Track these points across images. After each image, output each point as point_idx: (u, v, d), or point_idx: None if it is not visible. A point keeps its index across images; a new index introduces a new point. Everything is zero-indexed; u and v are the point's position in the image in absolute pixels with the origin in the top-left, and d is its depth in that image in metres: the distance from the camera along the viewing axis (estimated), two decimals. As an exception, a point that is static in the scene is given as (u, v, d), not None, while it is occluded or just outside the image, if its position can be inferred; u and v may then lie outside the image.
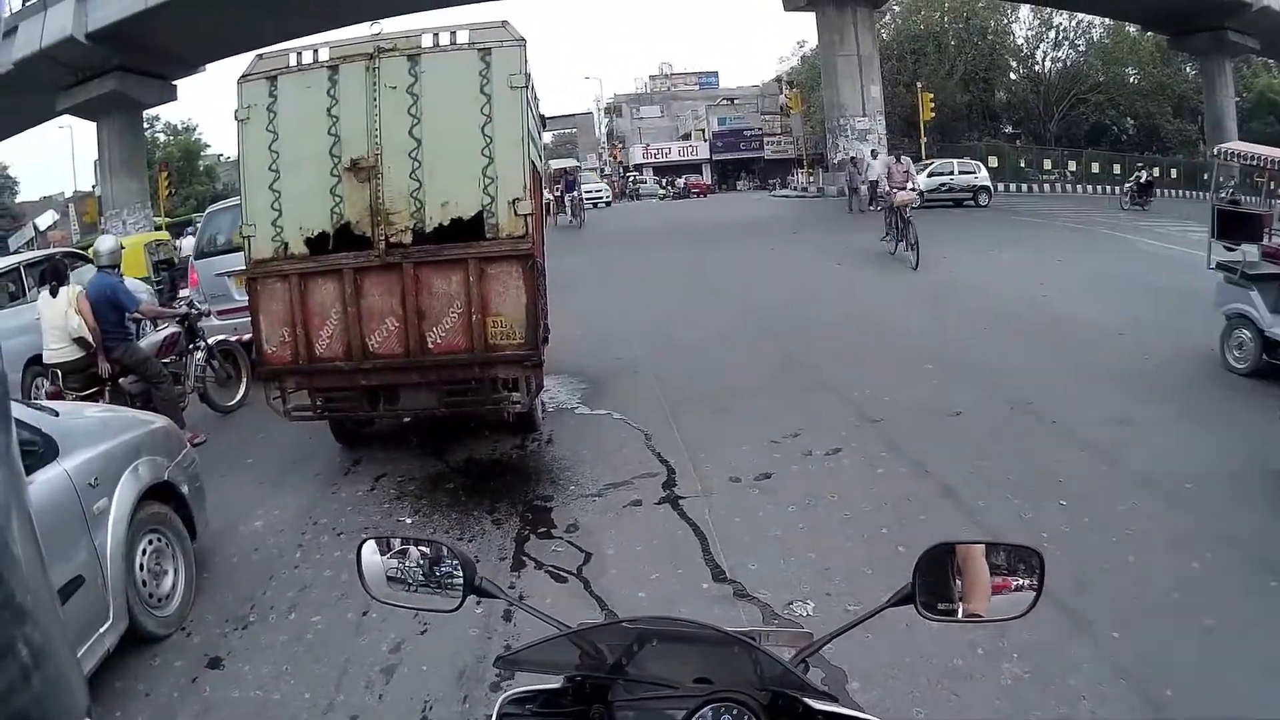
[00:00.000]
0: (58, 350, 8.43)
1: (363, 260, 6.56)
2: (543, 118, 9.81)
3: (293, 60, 6.67)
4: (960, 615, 1.71)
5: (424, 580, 1.86)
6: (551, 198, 31.06)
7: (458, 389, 6.91)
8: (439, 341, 6.61)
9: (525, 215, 6.52)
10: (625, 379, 9.63)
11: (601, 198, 47.29)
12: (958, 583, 1.69)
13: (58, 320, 8.40)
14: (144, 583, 4.95)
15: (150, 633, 4.89)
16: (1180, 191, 40.67)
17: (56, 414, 4.84)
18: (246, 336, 10.49)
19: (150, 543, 5.11)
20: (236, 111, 6.74)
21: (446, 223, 6.54)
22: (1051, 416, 7.54)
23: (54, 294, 8.50)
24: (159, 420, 5.89)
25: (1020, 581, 1.68)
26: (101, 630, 4.38)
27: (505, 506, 6.44)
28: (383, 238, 6.53)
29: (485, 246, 6.49)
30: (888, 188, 18.77)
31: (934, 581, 1.70)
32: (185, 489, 5.57)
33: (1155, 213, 28.21)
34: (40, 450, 4.30)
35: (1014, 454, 6.75)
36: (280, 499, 6.99)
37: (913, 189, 18.03)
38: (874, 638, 3.98)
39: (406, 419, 8.00)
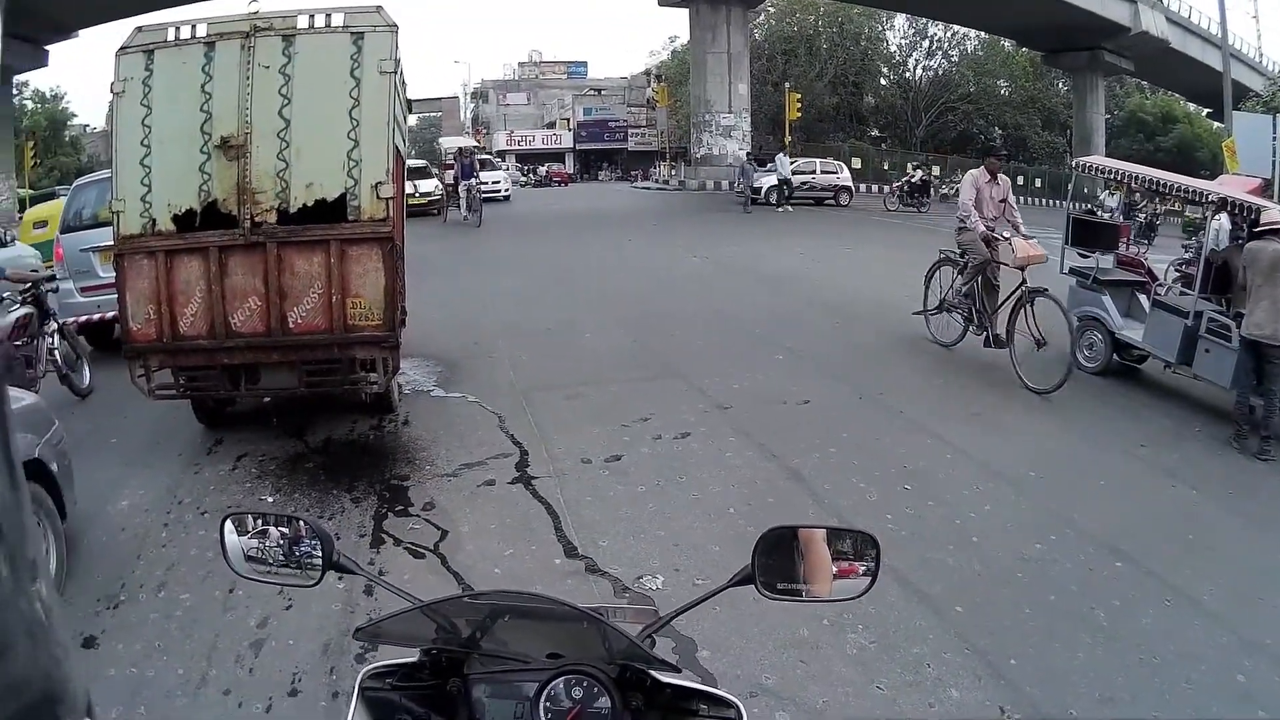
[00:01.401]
0: None
1: (228, 239, 6.54)
2: (409, 101, 9.91)
3: (170, 35, 6.62)
4: (804, 596, 1.76)
5: (284, 557, 1.88)
6: (441, 187, 28.69)
7: (317, 369, 6.93)
8: (300, 321, 6.66)
9: (387, 199, 6.62)
10: (481, 363, 9.74)
11: (500, 190, 35.90)
12: (800, 565, 1.75)
13: None
14: None
15: None
16: (1044, 200, 42.46)
17: None
18: (110, 314, 10.37)
19: None
20: (112, 84, 6.64)
21: (311, 204, 6.58)
22: (900, 408, 7.95)
23: None
24: (28, 396, 5.80)
25: (861, 565, 1.74)
26: None
27: (364, 486, 6.54)
28: (248, 217, 6.53)
29: (347, 228, 6.58)
30: (975, 224, 9.82)
31: (775, 563, 1.75)
32: (55, 467, 5.44)
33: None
34: None
35: (862, 442, 7.12)
36: (144, 479, 6.93)
37: (1030, 238, 9.64)
38: (722, 610, 4.20)
39: (267, 399, 8.00)
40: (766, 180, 30.97)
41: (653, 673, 1.64)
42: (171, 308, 6.63)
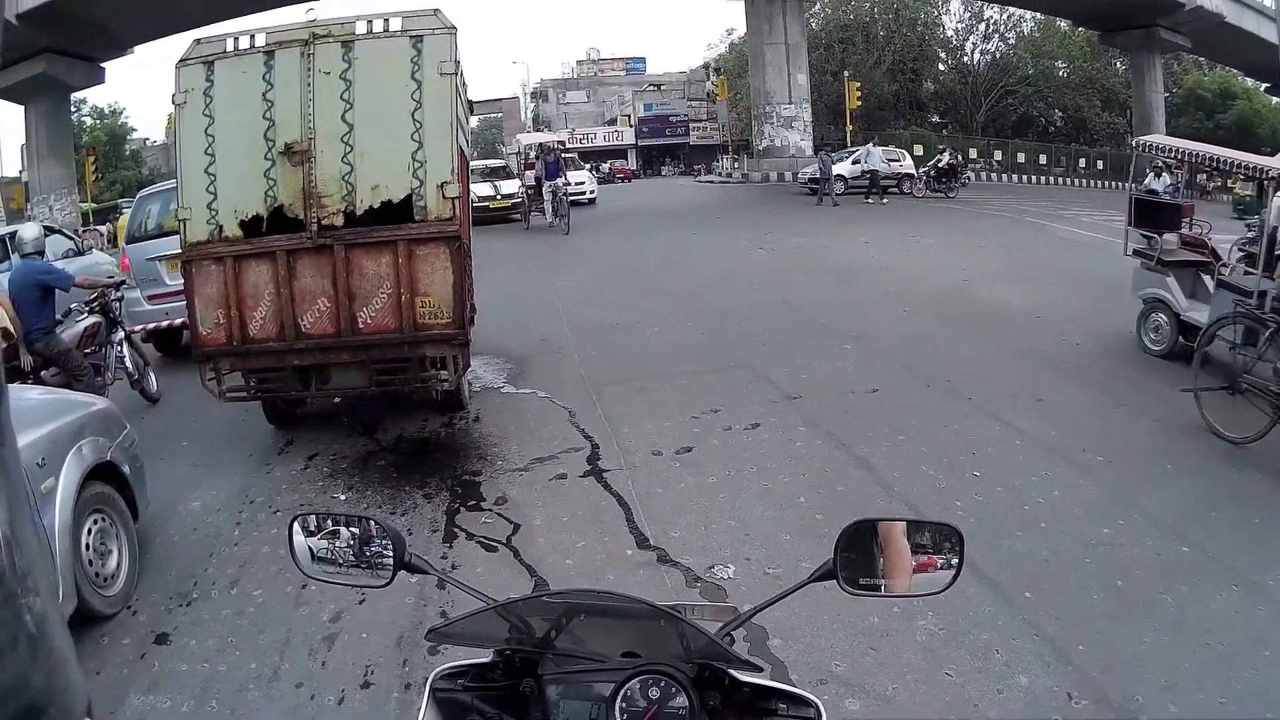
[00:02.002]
0: None
1: (295, 242, 6.64)
2: (470, 103, 9.89)
3: (229, 46, 6.71)
4: (882, 591, 1.73)
5: (354, 558, 1.87)
6: (523, 189, 25.38)
7: (387, 368, 6.99)
8: (369, 321, 6.74)
9: (453, 198, 6.68)
10: (550, 359, 9.79)
11: (585, 192, 30.99)
12: (880, 560, 1.70)
13: None
14: (90, 562, 4.98)
15: (97, 611, 4.91)
16: (1106, 183, 41.50)
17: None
18: (178, 321, 10.59)
19: (95, 522, 5.12)
20: (174, 96, 6.77)
21: (377, 205, 6.67)
22: (967, 394, 7.81)
23: None
24: (100, 402, 5.92)
25: (941, 559, 1.70)
26: None
27: (436, 482, 6.61)
28: (315, 220, 6.63)
29: (414, 229, 6.64)
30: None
31: (855, 557, 1.71)
32: (127, 469, 5.60)
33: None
34: None
35: (930, 429, 7.02)
36: (216, 480, 7.07)
37: None
38: (794, 598, 4.16)
39: (337, 400, 8.07)
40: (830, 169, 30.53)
41: (732, 672, 1.60)
42: (241, 311, 6.74)
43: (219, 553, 5.83)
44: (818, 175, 28.71)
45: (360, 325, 6.75)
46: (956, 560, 1.70)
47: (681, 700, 1.53)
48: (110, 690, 4.39)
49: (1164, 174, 15.89)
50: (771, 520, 5.54)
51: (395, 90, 6.63)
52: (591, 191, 32.05)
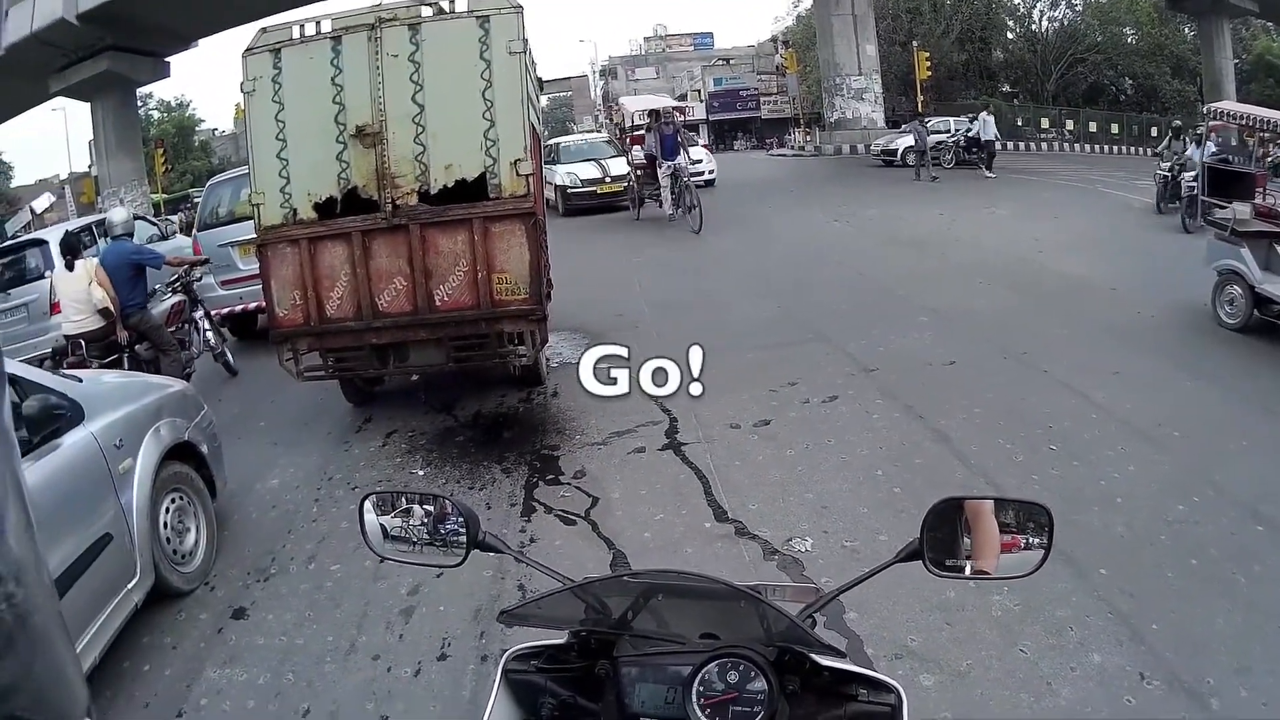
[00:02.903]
0: (79, 322, 8.60)
1: (370, 223, 6.73)
2: (540, 80, 9.99)
3: (295, 33, 6.81)
4: (968, 572, 1.68)
5: (427, 536, 1.87)
6: (631, 172, 20.80)
7: (465, 344, 7.06)
8: (446, 299, 6.81)
9: (527, 175, 6.70)
10: (627, 334, 9.66)
11: (704, 173, 25.10)
12: (966, 540, 1.66)
13: (79, 295, 8.57)
14: (168, 540, 5.10)
15: (175, 588, 5.04)
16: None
17: (80, 381, 4.94)
18: (252, 305, 10.93)
19: (173, 501, 5.24)
20: (242, 84, 6.85)
21: (451, 184, 6.71)
22: (1044, 366, 7.65)
23: (70, 268, 8.67)
24: (177, 383, 6.07)
25: (1029, 539, 1.66)
26: (129, 586, 4.53)
27: (514, 456, 6.66)
28: (389, 200, 6.71)
29: (489, 206, 6.69)
30: None
31: (941, 537, 1.67)
32: (205, 449, 5.73)
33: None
34: (68, 414, 4.41)
35: (1007, 402, 6.89)
36: (294, 458, 7.21)
37: None
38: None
39: (415, 377, 8.18)
40: (902, 142, 29.73)
41: (813, 656, 1.57)
42: (317, 292, 6.86)
43: (297, 529, 5.95)
44: (911, 147, 27.43)
45: (437, 303, 6.82)
46: (1046, 541, 1.66)
47: (760, 684, 1.50)
48: (187, 664, 4.51)
49: (1207, 141, 14.98)
50: (849, 493, 5.48)
51: (464, 70, 6.65)
52: (710, 172, 26.56)
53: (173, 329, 9.62)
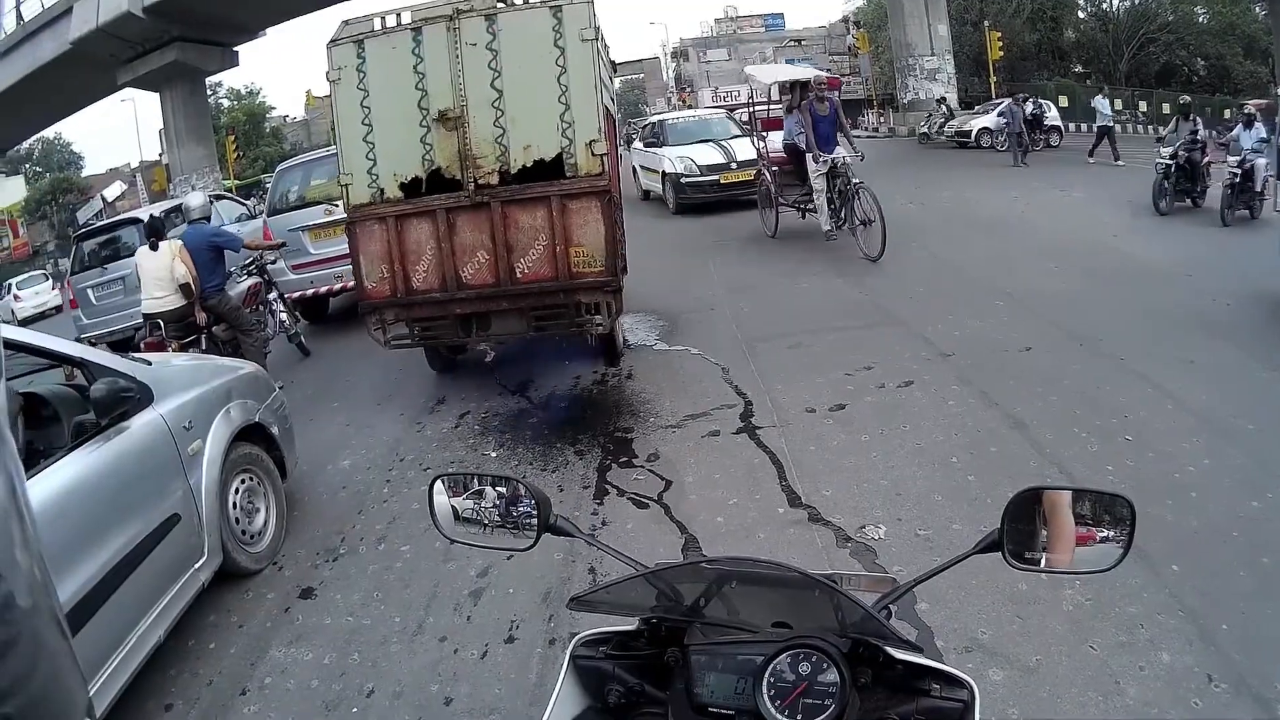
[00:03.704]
0: (160, 300, 8.86)
1: (454, 201, 7.11)
2: (613, 64, 10.14)
3: (377, 25, 7.17)
4: (1043, 565, 1.64)
5: (498, 519, 1.87)
6: (766, 170, 14.72)
7: (544, 314, 7.39)
8: (527, 271, 7.18)
9: (601, 155, 7.02)
10: (702, 316, 9.76)
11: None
12: (1044, 532, 1.63)
13: (162, 271, 8.83)
14: (237, 520, 5.21)
15: (243, 568, 5.14)
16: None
17: (150, 364, 5.00)
18: (323, 289, 11.90)
19: (243, 482, 5.35)
20: (328, 73, 7.27)
21: (529, 164, 7.05)
22: (1119, 354, 7.45)
23: (154, 248, 8.92)
24: (248, 366, 6.16)
25: (1107, 533, 1.63)
26: (196, 566, 4.62)
27: (587, 439, 6.68)
28: (471, 180, 7.08)
29: (566, 184, 7.00)
30: None
31: (1020, 528, 1.64)
32: (275, 430, 5.83)
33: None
34: (137, 396, 4.46)
35: (1083, 390, 6.73)
36: (366, 439, 7.34)
37: None
38: (942, 559, 4.03)
39: (489, 359, 8.51)
40: (977, 123, 29.24)
41: (888, 649, 1.53)
42: (404, 266, 7.27)
43: (367, 509, 6.03)
44: (1006, 129, 25.52)
45: (518, 275, 7.19)
46: (1126, 535, 1.62)
47: (833, 676, 1.47)
48: (253, 643, 4.59)
49: (1255, 124, 14.07)
50: (924, 480, 5.39)
51: (539, 57, 6.96)
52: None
53: (249, 310, 9.85)
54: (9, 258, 60.71)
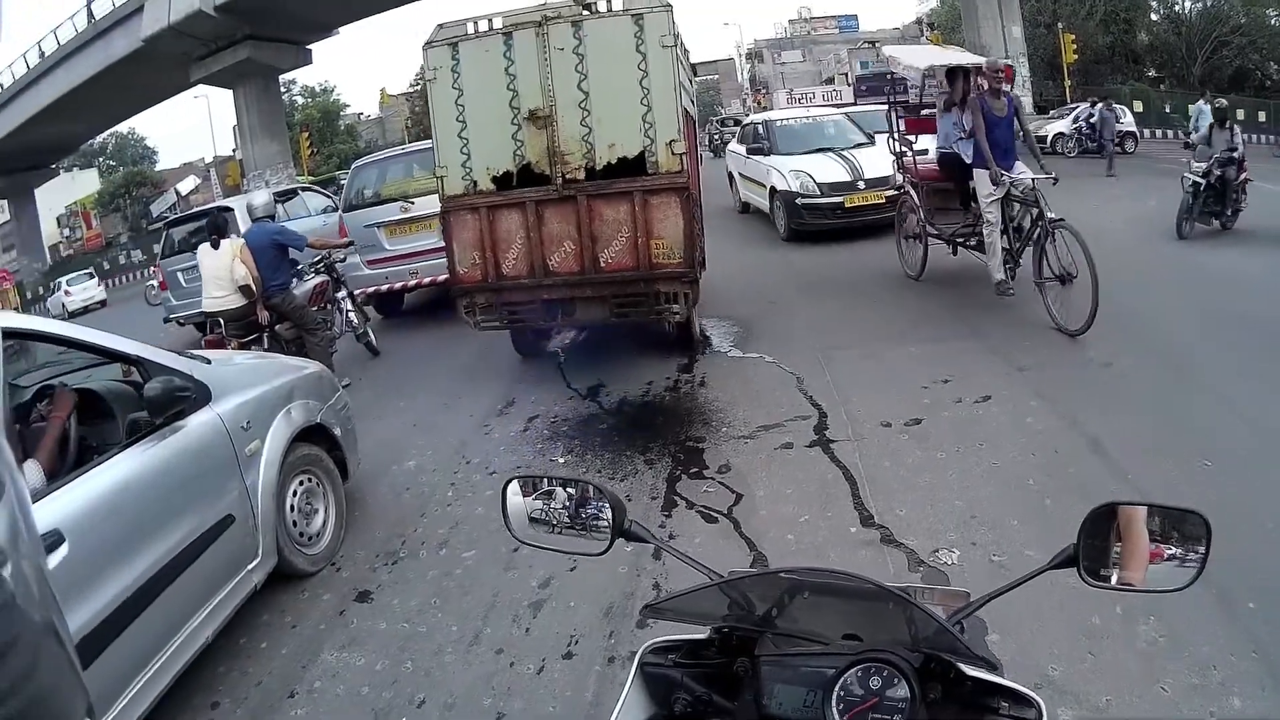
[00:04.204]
0: (221, 299, 8.91)
1: (543, 194, 7.70)
2: (693, 66, 10.97)
3: (470, 29, 7.67)
4: (1114, 582, 1.60)
5: (570, 522, 1.86)
6: (909, 187, 10.96)
7: (625, 301, 7.89)
8: (610, 261, 7.73)
9: (681, 154, 7.52)
10: (778, 322, 9.62)
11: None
12: (1116, 548, 1.60)
13: (222, 271, 8.87)
14: (294, 522, 5.20)
15: (299, 569, 5.14)
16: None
17: (209, 362, 4.98)
18: (397, 285, 12.04)
19: (302, 483, 5.33)
20: (424, 73, 7.93)
21: (614, 161, 7.60)
22: (1200, 375, 7.12)
23: (215, 246, 8.98)
24: (312, 365, 6.18)
25: (1180, 550, 1.58)
26: (250, 567, 4.61)
27: (658, 447, 6.59)
28: (560, 175, 7.66)
29: (648, 180, 7.54)
30: None
31: (1096, 545, 1.61)
32: (338, 431, 5.81)
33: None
34: (193, 396, 4.44)
35: (1163, 411, 6.44)
36: (432, 440, 7.34)
37: None
38: (1018, 589, 3.88)
39: (561, 361, 8.67)
40: (1051, 128, 28.44)
41: (960, 665, 1.49)
42: (495, 253, 7.88)
43: (430, 513, 6.00)
44: (1097, 135, 23.90)
45: (602, 264, 7.75)
46: (1201, 553, 1.57)
47: (903, 690, 1.44)
48: (305, 644, 4.59)
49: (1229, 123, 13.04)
50: (999, 502, 5.21)
51: (622, 62, 7.44)
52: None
53: (315, 309, 9.84)
54: (82, 249, 62.46)
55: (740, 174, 18.02)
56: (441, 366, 9.62)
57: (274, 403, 5.20)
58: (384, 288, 12.09)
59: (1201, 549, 1.57)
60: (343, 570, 5.32)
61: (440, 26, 7.79)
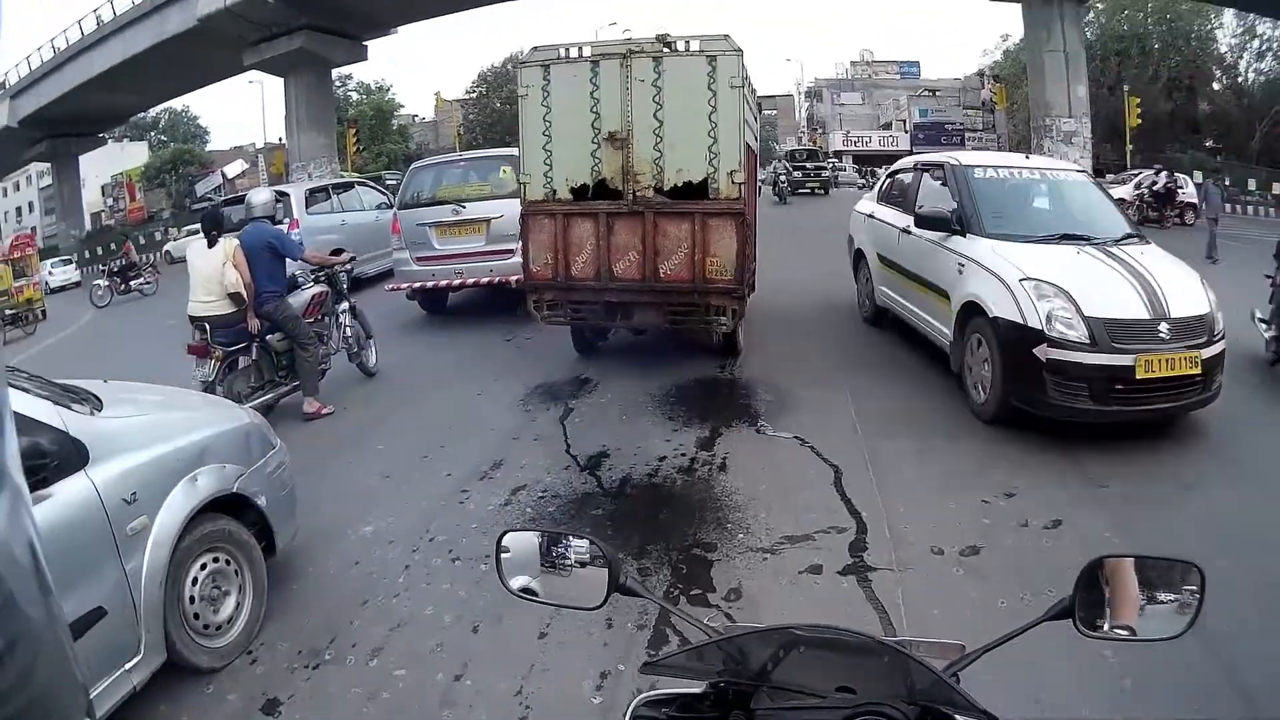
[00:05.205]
0: (208, 304, 8.42)
1: (614, 207, 8.69)
2: (759, 103, 12.12)
3: (561, 53, 8.72)
4: (1108, 630, 1.66)
5: (566, 577, 1.82)
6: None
7: (679, 310, 8.87)
8: (669, 272, 8.65)
9: (740, 183, 8.44)
10: (817, 392, 8.60)
11: None
12: (1109, 597, 1.64)
13: (212, 273, 8.42)
14: (195, 614, 4.41)
15: (196, 665, 4.34)
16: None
17: (96, 410, 4.21)
18: (442, 283, 12.81)
19: (205, 565, 4.51)
20: (518, 90, 9.05)
21: (680, 184, 8.56)
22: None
23: (210, 244, 8.52)
24: (244, 417, 5.33)
25: (1175, 598, 1.63)
26: (128, 666, 3.84)
27: (658, 553, 5.48)
28: (631, 192, 8.65)
29: (708, 204, 8.49)
30: None
31: (1092, 597, 1.65)
32: (262, 501, 4.94)
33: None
34: (60, 459, 3.69)
35: (1258, 546, 5.30)
36: (400, 501, 6.49)
37: None
38: (1016, 643, 2.98)
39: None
40: (1121, 191, 27.05)
41: (957, 716, 1.45)
42: (566, 256, 8.87)
43: (374, 602, 5.10)
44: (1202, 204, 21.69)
45: (661, 275, 8.66)
46: (1196, 601, 1.61)
47: None
48: None
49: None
50: (1068, 670, 3.96)
51: (695, 97, 8.39)
52: None
53: (311, 320, 9.28)
54: (125, 219, 64.60)
55: (882, 256, 10.75)
56: (434, 404, 9.06)
57: (174, 467, 4.33)
58: (429, 283, 12.89)
59: (1196, 597, 1.61)
60: (259, 663, 4.50)
61: (535, 49, 8.87)
